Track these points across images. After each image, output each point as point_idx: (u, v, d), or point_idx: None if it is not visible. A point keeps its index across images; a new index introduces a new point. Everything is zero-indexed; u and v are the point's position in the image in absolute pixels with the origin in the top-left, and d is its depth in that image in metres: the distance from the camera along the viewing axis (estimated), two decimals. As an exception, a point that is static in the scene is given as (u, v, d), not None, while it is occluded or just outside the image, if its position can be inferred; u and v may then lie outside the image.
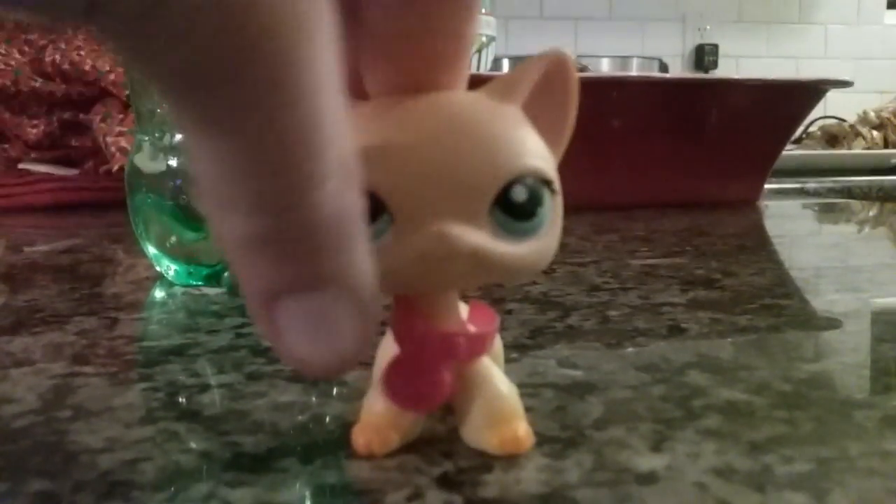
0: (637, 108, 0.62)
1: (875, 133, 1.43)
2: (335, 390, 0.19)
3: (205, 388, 0.20)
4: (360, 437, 0.15)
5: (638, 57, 1.72)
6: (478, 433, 0.15)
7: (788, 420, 0.17)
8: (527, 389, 0.19)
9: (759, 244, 0.49)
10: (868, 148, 1.38)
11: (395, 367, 0.14)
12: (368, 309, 0.12)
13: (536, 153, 0.13)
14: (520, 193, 0.13)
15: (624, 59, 1.69)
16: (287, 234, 0.11)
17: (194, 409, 0.18)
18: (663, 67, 1.71)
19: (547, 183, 0.13)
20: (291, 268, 0.11)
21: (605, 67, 1.66)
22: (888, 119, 1.46)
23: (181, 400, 0.19)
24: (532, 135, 0.14)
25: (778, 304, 0.29)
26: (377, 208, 0.12)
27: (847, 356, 0.22)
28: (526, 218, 0.13)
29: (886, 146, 1.40)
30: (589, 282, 0.33)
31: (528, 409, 0.17)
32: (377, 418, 0.15)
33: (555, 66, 0.14)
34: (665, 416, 0.17)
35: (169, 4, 0.09)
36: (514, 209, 0.13)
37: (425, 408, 0.15)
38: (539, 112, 0.14)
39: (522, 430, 0.15)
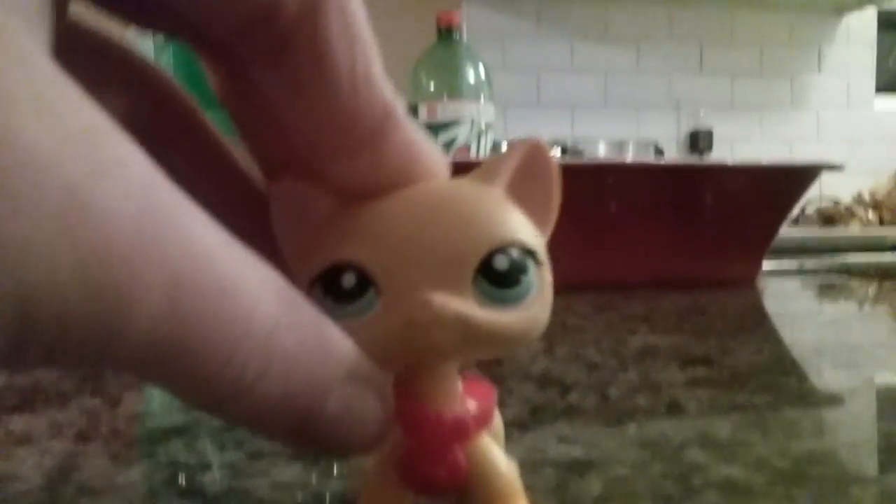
0: (635, 192, 0.64)
1: (870, 213, 1.44)
2: (335, 469, 0.20)
3: (206, 466, 0.20)
4: None
5: (634, 142, 1.76)
6: None
7: (787, 497, 0.17)
8: (527, 467, 0.19)
9: (757, 323, 0.50)
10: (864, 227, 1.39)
11: (409, 454, 0.14)
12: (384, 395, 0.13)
13: (518, 226, 0.14)
14: (501, 262, 0.13)
15: (620, 144, 1.72)
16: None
17: (196, 488, 0.18)
18: (659, 151, 1.75)
19: (530, 253, 0.14)
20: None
21: (602, 151, 1.70)
22: (882, 200, 1.48)
23: (183, 479, 0.19)
24: (514, 211, 0.14)
25: (776, 381, 0.29)
26: (364, 282, 0.13)
27: (845, 433, 0.22)
28: (509, 286, 0.13)
29: (882, 225, 1.41)
30: (589, 360, 0.33)
31: (528, 487, 0.17)
32: (378, 496, 0.15)
33: (532, 152, 0.15)
34: (664, 493, 0.17)
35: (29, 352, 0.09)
36: (496, 277, 0.13)
37: (444, 492, 0.15)
38: (523, 195, 0.15)
39: None
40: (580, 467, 0.19)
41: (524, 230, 0.14)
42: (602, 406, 0.25)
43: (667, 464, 0.19)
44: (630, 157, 1.64)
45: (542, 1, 1.80)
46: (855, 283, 0.78)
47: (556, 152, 1.44)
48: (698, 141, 1.87)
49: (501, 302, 0.13)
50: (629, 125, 1.86)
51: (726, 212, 0.68)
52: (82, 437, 0.23)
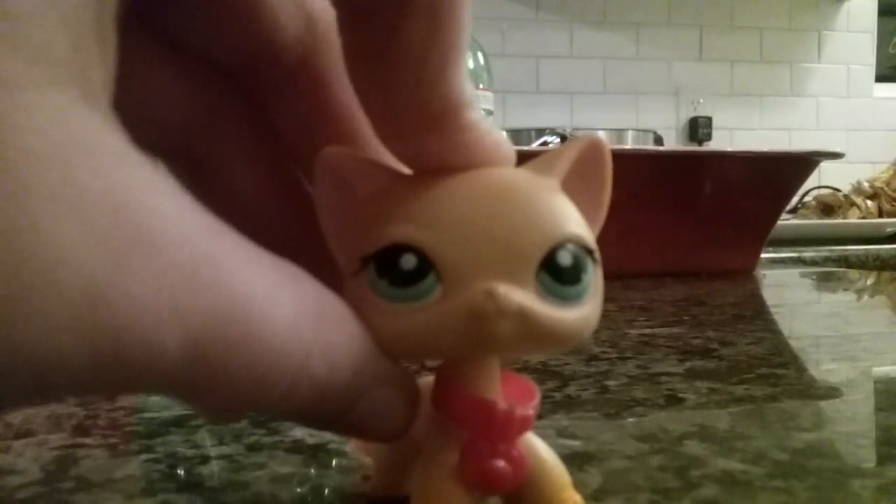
0: (634, 180, 0.64)
1: (869, 202, 1.44)
2: (334, 462, 0.20)
3: (205, 459, 0.20)
4: None
5: (633, 129, 1.75)
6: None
7: (785, 489, 0.17)
8: (525, 460, 0.19)
9: (756, 313, 0.50)
10: (863, 217, 1.39)
11: (470, 451, 0.14)
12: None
13: (578, 222, 0.14)
14: (565, 258, 0.13)
15: (619, 132, 1.72)
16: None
17: (195, 481, 0.18)
18: (658, 140, 1.74)
19: (589, 251, 0.14)
20: None
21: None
22: (882, 188, 1.48)
23: (181, 471, 0.19)
24: (573, 207, 0.14)
25: (775, 373, 0.29)
26: (424, 266, 0.13)
27: (844, 425, 0.22)
28: (571, 283, 0.13)
29: (881, 215, 1.41)
30: (587, 351, 0.33)
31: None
32: (439, 495, 0.14)
33: (590, 150, 0.15)
34: (663, 485, 0.17)
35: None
36: (560, 273, 0.13)
37: (507, 488, 0.14)
38: (575, 192, 0.14)
39: (576, 499, 0.15)
40: (579, 459, 0.19)
41: (583, 227, 0.14)
42: (601, 398, 0.25)
43: (665, 456, 0.19)
44: (629, 144, 1.64)
45: (542, -12, 1.79)
46: (854, 273, 0.78)
47: (554, 140, 1.44)
48: (697, 129, 1.87)
49: (561, 298, 0.13)
50: (628, 112, 1.86)
51: (725, 200, 0.68)
52: (81, 430, 0.23)
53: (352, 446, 0.19)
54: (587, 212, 0.14)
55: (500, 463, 0.14)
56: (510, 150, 0.14)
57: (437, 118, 0.13)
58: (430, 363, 0.15)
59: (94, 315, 0.09)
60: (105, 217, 0.09)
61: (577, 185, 0.14)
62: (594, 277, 0.14)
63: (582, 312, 0.13)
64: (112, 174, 0.09)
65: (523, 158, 0.14)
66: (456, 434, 0.14)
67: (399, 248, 0.13)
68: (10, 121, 0.08)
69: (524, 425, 0.14)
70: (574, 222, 0.14)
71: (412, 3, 0.12)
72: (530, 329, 0.13)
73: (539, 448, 0.15)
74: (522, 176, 0.14)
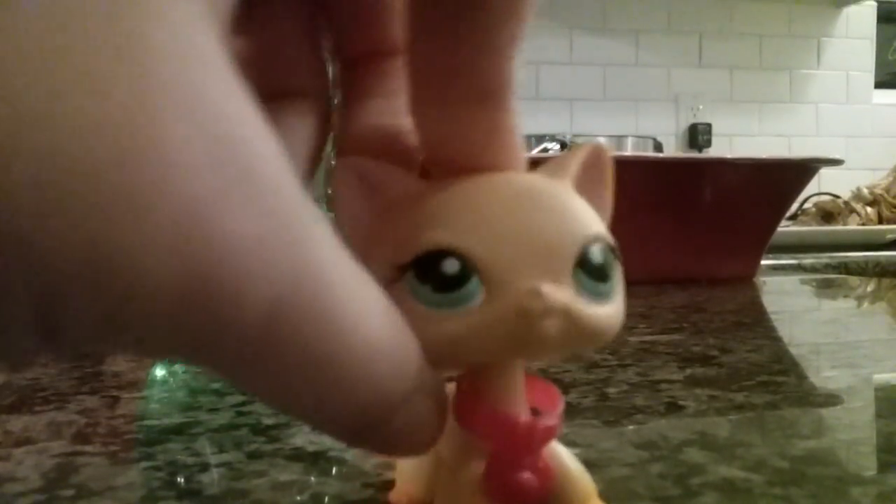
0: (634, 187, 0.64)
1: (869, 209, 1.44)
2: (334, 470, 0.20)
3: (205, 467, 0.20)
4: None
5: (633, 136, 1.75)
6: None
7: (785, 497, 0.17)
8: (526, 467, 0.19)
9: (756, 320, 0.50)
10: (863, 224, 1.39)
11: (495, 464, 0.14)
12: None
13: (599, 222, 0.14)
14: (597, 255, 0.13)
15: (619, 139, 1.72)
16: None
17: (195, 489, 0.18)
18: (658, 146, 1.74)
19: (613, 249, 0.14)
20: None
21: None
22: (881, 195, 1.48)
23: (181, 479, 0.19)
24: (590, 207, 0.14)
25: (775, 380, 0.29)
26: (467, 270, 0.13)
27: (844, 433, 0.22)
28: (604, 279, 0.13)
29: (881, 222, 1.42)
30: (587, 358, 0.33)
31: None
32: None
33: (594, 154, 0.15)
34: (663, 493, 0.17)
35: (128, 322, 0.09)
36: (593, 270, 0.13)
37: (536, 499, 0.14)
38: (583, 193, 0.15)
39: None
40: (579, 468, 0.19)
41: (604, 227, 0.14)
42: (601, 405, 0.25)
43: (666, 463, 0.19)
44: (629, 151, 1.64)
45: (541, -6, 1.80)
46: (854, 280, 0.78)
47: (554, 147, 1.44)
48: (697, 135, 1.87)
49: (596, 295, 0.13)
50: (628, 119, 1.86)
51: (725, 207, 0.68)
52: (81, 437, 0.23)
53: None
54: (596, 210, 0.15)
55: (526, 475, 0.14)
56: (524, 155, 0.14)
57: (490, 92, 0.13)
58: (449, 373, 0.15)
59: (189, 245, 0.08)
60: (217, 144, 0.09)
61: (584, 187, 0.15)
62: (619, 273, 0.14)
63: (614, 308, 0.14)
64: (226, 103, 0.09)
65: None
66: (479, 446, 0.14)
67: (440, 254, 0.13)
68: (142, 26, 0.08)
69: (548, 436, 0.14)
70: (597, 222, 0.14)
71: None
72: (574, 326, 0.13)
73: (564, 457, 0.15)
74: (543, 180, 0.14)
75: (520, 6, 0.12)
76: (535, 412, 0.14)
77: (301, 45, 0.15)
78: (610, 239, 0.14)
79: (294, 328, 0.10)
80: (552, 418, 0.14)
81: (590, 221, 0.14)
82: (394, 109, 0.15)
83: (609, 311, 0.13)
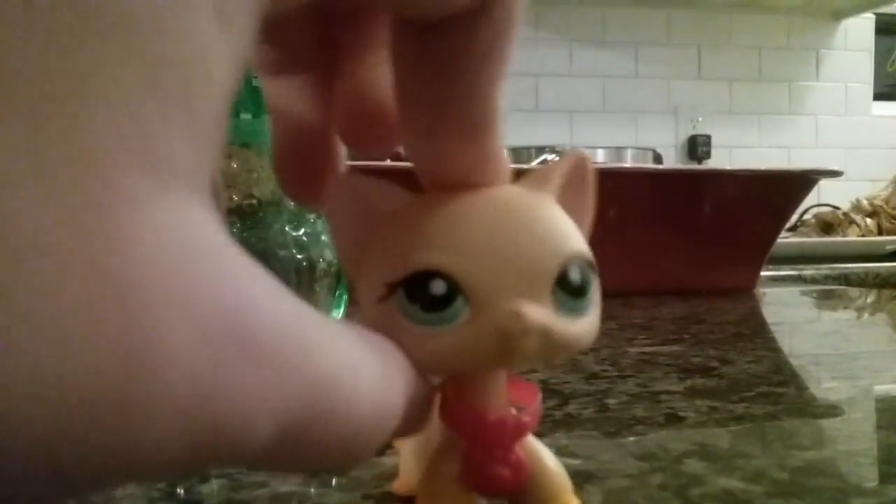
0: (634, 199, 0.64)
1: (869, 220, 1.45)
2: (334, 481, 0.19)
3: (205, 478, 0.20)
4: None
5: (632, 148, 1.76)
6: None
7: (786, 509, 0.17)
8: (526, 478, 0.19)
9: (756, 331, 0.50)
10: (862, 235, 1.40)
11: (471, 459, 0.15)
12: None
13: (579, 238, 0.15)
14: (575, 274, 0.14)
15: (618, 150, 1.73)
16: None
17: (195, 500, 0.18)
18: (657, 158, 1.75)
19: (591, 266, 0.15)
20: None
21: (600, 158, 1.70)
22: (881, 206, 1.48)
23: (181, 490, 0.19)
24: (570, 221, 0.15)
25: (775, 391, 0.29)
26: (453, 291, 0.13)
27: (844, 444, 0.22)
28: (581, 296, 0.14)
29: (880, 233, 1.42)
30: (587, 370, 0.33)
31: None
32: (441, 495, 0.15)
33: (578, 164, 0.16)
34: (663, 505, 0.17)
35: None
36: (571, 289, 0.14)
37: (508, 491, 0.15)
38: (566, 202, 0.15)
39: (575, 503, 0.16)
40: (579, 478, 0.19)
41: (582, 242, 0.15)
42: (601, 416, 0.25)
43: (666, 475, 0.19)
44: (628, 163, 1.64)
45: (541, 5, 1.81)
46: (853, 291, 0.78)
47: (554, 158, 1.45)
48: (696, 147, 1.87)
49: (573, 311, 0.14)
50: (627, 131, 1.87)
51: (725, 218, 0.68)
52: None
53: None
54: (578, 220, 0.15)
55: (500, 468, 0.15)
56: (508, 171, 0.15)
57: (477, 125, 0.14)
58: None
59: (197, 412, 0.09)
60: (212, 320, 0.09)
61: (567, 196, 0.16)
62: (596, 289, 0.15)
63: (589, 321, 0.15)
64: (222, 280, 0.10)
65: (521, 175, 0.15)
66: (460, 442, 0.15)
67: (428, 275, 0.13)
68: (134, 232, 0.09)
69: (520, 431, 0.15)
70: (576, 239, 0.15)
71: (488, 17, 0.13)
72: (550, 343, 0.14)
73: (542, 453, 0.16)
74: (526, 195, 0.15)
75: (503, 48, 0.13)
76: (518, 409, 0.15)
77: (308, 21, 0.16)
78: (588, 255, 0.15)
79: (306, 437, 0.11)
80: (525, 416, 0.15)
81: (569, 239, 0.14)
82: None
83: (584, 324, 0.14)
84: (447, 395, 0.15)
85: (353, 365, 0.11)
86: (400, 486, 0.18)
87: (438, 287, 0.13)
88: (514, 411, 0.15)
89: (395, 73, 0.14)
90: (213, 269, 0.09)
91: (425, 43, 0.13)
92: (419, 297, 0.13)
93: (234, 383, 0.09)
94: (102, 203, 0.08)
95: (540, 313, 0.13)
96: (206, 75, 0.09)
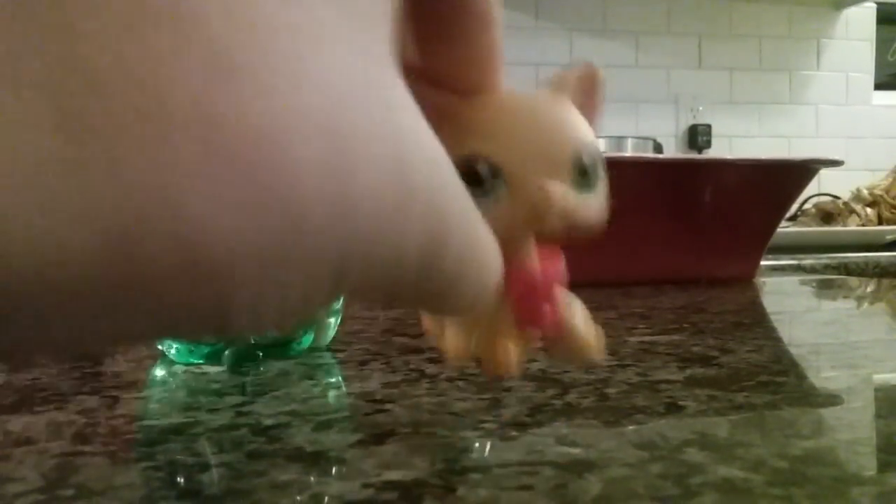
0: (634, 188, 0.64)
1: (869, 210, 1.45)
2: (334, 470, 0.20)
3: (205, 467, 0.20)
4: (500, 348, 0.19)
5: (632, 137, 1.76)
6: (571, 342, 0.20)
7: (785, 497, 0.17)
8: (525, 467, 0.19)
9: (756, 321, 0.50)
10: (862, 225, 1.39)
11: (521, 305, 0.19)
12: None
13: (589, 131, 0.19)
14: (587, 158, 0.18)
15: (619, 140, 1.72)
16: None
17: (195, 489, 0.18)
18: (657, 147, 1.75)
19: (597, 152, 0.18)
20: None
21: (601, 147, 1.70)
22: (881, 196, 1.48)
23: (181, 479, 0.19)
24: (582, 118, 0.19)
25: (775, 381, 0.29)
26: (494, 172, 0.17)
27: (844, 433, 0.22)
28: (591, 177, 0.18)
29: (880, 223, 1.41)
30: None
31: (527, 488, 0.17)
32: (503, 335, 0.19)
33: (586, 73, 0.20)
34: (663, 493, 0.17)
35: None
36: (584, 170, 0.18)
37: (552, 323, 0.19)
38: (577, 104, 0.19)
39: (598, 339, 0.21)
40: (579, 467, 0.19)
41: (592, 134, 0.19)
42: (601, 406, 0.25)
43: (665, 464, 0.19)
44: (629, 152, 1.64)
45: (541, -5, 1.80)
46: (853, 281, 0.78)
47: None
48: (697, 136, 1.87)
49: (587, 189, 0.18)
50: (628, 120, 1.86)
51: (725, 208, 0.68)
52: (81, 437, 0.23)
53: (425, 324, 0.23)
54: (587, 116, 0.19)
55: (544, 305, 0.19)
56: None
57: (482, 20, 0.16)
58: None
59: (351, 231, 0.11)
60: (387, 158, 0.11)
61: (578, 98, 0.19)
62: (603, 174, 0.19)
63: (599, 199, 0.19)
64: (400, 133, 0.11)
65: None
66: (508, 299, 0.19)
67: (476, 159, 0.17)
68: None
69: (550, 279, 0.19)
70: (587, 131, 0.19)
71: None
72: (569, 215, 0.18)
73: (576, 308, 0.20)
74: (547, 98, 0.19)
75: None
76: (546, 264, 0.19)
77: None
78: (595, 144, 0.19)
79: (443, 263, 0.13)
80: (557, 266, 0.20)
81: (581, 131, 0.18)
82: None
83: (595, 201, 0.18)
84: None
85: (479, 219, 0.14)
86: (454, 352, 0.21)
87: (483, 169, 0.17)
88: (556, 267, 0.19)
89: None
90: (392, 119, 0.11)
91: None
92: (469, 177, 0.16)
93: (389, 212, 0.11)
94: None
95: (560, 188, 0.17)
96: None
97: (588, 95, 0.20)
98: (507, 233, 0.17)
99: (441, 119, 0.17)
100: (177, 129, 0.08)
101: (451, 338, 0.21)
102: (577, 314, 0.20)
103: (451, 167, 0.13)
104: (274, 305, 0.10)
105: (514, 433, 0.22)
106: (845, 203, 1.47)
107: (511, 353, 0.19)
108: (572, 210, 0.17)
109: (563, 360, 0.21)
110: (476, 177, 0.17)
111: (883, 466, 0.20)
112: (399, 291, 0.13)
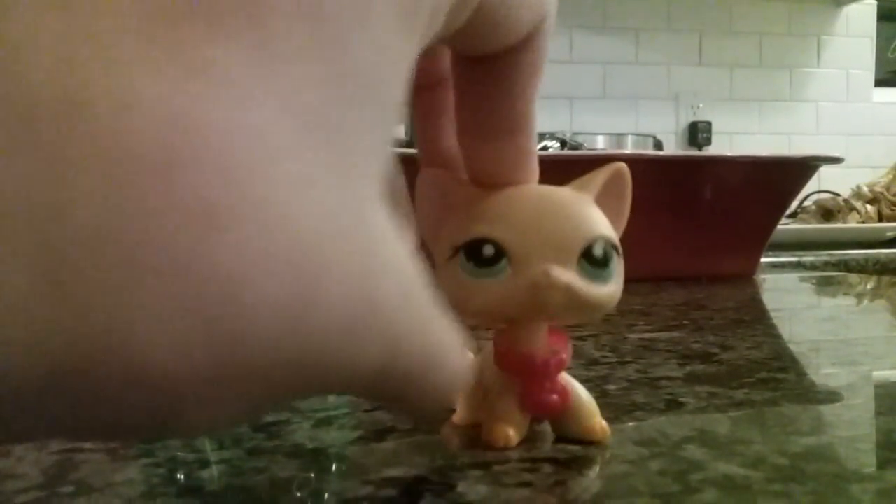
0: (634, 185, 0.63)
1: (869, 207, 1.44)
2: (334, 466, 0.20)
3: (205, 464, 0.20)
4: (499, 433, 0.20)
5: (632, 134, 1.75)
6: (576, 425, 0.20)
7: (785, 494, 0.17)
8: (526, 464, 0.19)
9: (756, 318, 0.50)
10: (862, 222, 1.39)
11: (525, 389, 0.20)
12: None
13: (607, 226, 0.19)
14: (598, 250, 0.18)
15: (619, 137, 1.72)
16: None
17: (194, 486, 0.18)
18: (658, 144, 1.74)
19: (614, 247, 0.19)
20: None
21: (601, 144, 1.70)
22: (881, 193, 1.48)
23: (181, 476, 0.19)
24: (602, 215, 0.19)
25: (775, 377, 0.29)
26: (500, 253, 0.18)
27: (844, 430, 0.22)
28: (602, 267, 0.18)
29: (880, 220, 1.41)
30: (587, 356, 0.33)
31: (526, 484, 0.17)
32: (506, 418, 0.20)
33: (616, 174, 0.21)
34: (663, 490, 0.17)
35: None
36: (594, 261, 0.18)
37: (558, 411, 0.20)
38: (605, 205, 0.20)
39: (603, 423, 0.20)
40: (579, 464, 0.19)
41: (610, 230, 0.19)
42: (600, 402, 0.25)
43: (665, 460, 0.19)
44: (629, 149, 1.64)
45: (541, -7, 1.79)
46: (853, 278, 0.78)
47: (554, 145, 1.44)
48: (697, 133, 1.87)
49: (595, 279, 0.18)
50: (628, 117, 1.86)
51: (725, 205, 0.68)
52: (81, 433, 0.23)
53: None
54: (613, 220, 0.20)
55: (550, 396, 0.20)
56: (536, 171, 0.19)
57: (517, 127, 0.18)
58: (486, 334, 0.21)
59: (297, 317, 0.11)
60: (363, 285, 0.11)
61: (605, 201, 0.20)
62: (618, 265, 0.19)
63: (609, 290, 0.19)
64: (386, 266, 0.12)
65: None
66: (514, 380, 0.20)
67: (482, 241, 0.18)
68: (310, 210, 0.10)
69: (560, 366, 0.20)
70: (604, 226, 0.19)
71: (528, 48, 0.16)
72: (573, 299, 0.18)
73: (575, 385, 0.21)
74: (565, 191, 0.19)
75: (539, 65, 0.17)
76: (553, 352, 0.20)
77: None
78: (613, 239, 0.19)
79: (398, 373, 0.13)
80: (561, 354, 0.20)
81: (597, 225, 0.19)
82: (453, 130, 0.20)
83: (604, 291, 0.19)
84: (500, 347, 0.20)
85: (452, 340, 0.14)
86: (461, 419, 0.22)
87: (488, 250, 0.18)
88: (561, 351, 0.20)
89: (456, 91, 0.18)
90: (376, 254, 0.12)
91: (481, 68, 0.17)
92: (474, 257, 0.18)
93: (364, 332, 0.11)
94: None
95: (565, 274, 0.18)
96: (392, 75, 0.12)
97: (616, 197, 0.21)
98: (509, 311, 0.19)
99: (458, 206, 0.19)
100: (149, 276, 0.09)
101: (458, 405, 0.22)
102: (581, 397, 0.21)
103: (423, 286, 0.13)
104: (224, 417, 0.11)
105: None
106: (845, 200, 1.47)
107: (510, 438, 0.20)
108: (576, 291, 0.18)
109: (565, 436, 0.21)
110: (480, 257, 0.18)
111: (883, 463, 0.20)
112: (355, 393, 0.13)
